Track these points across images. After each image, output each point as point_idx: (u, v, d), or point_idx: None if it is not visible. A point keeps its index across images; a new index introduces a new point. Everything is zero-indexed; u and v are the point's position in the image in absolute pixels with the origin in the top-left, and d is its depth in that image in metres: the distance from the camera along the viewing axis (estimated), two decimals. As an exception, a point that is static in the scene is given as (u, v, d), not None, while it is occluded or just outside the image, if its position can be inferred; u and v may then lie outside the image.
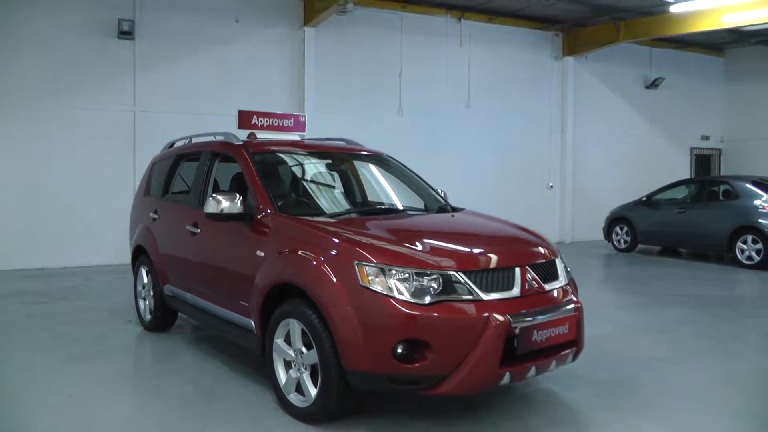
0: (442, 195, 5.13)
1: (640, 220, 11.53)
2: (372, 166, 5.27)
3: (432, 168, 12.07)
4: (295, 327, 3.61)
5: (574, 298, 3.70)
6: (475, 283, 3.32)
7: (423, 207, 4.81)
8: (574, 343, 3.63)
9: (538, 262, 3.66)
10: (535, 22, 13.21)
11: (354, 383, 3.34)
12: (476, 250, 3.57)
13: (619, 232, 11.99)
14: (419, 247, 3.50)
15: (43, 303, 6.92)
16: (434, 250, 3.49)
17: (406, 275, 3.25)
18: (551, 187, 13.68)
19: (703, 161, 15.89)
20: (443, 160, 12.35)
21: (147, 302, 5.78)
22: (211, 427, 3.66)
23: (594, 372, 4.60)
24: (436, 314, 3.19)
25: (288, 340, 3.68)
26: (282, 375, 3.75)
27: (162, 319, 5.64)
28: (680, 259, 11.06)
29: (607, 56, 13.77)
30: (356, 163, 5.26)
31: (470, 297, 3.27)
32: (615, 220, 12.08)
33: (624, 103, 14.43)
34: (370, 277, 3.28)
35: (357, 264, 3.32)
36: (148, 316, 5.76)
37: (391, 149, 11.35)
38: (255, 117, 5.55)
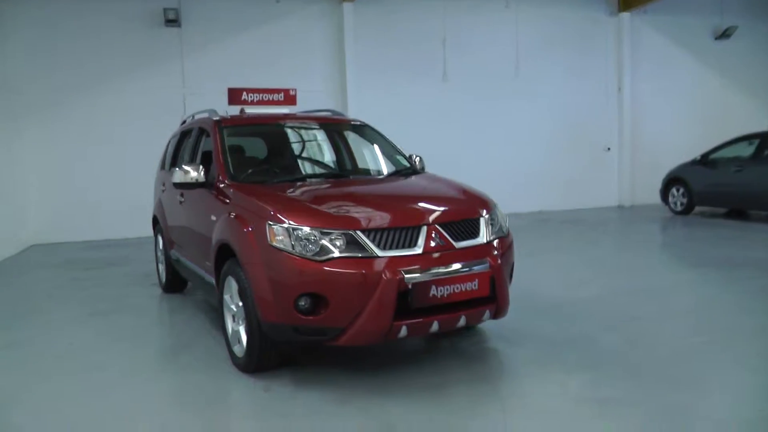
0: (416, 161, 5.25)
1: (696, 180, 10.88)
2: (345, 135, 5.50)
3: (481, 135, 12.09)
4: (232, 283, 3.98)
5: (492, 256, 3.76)
6: (373, 241, 3.50)
7: (378, 171, 4.99)
8: (489, 300, 3.73)
9: (452, 220, 3.77)
10: (586, -24, 12.64)
11: (269, 334, 3.67)
12: (381, 211, 3.73)
13: (675, 194, 11.39)
14: (329, 208, 3.72)
15: (90, 269, 7.81)
16: (341, 211, 3.70)
17: (308, 234, 3.50)
18: (609, 149, 13.16)
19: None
20: (492, 126, 12.26)
21: (162, 266, 6.41)
22: (169, 372, 4.15)
23: (556, 331, 4.64)
24: (330, 270, 3.42)
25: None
26: (229, 328, 4.15)
27: (174, 281, 6.24)
28: (745, 222, 10.32)
29: (669, 7, 12.90)
30: (327, 132, 5.50)
31: (366, 254, 3.47)
32: (671, 181, 11.47)
33: (689, 57, 13.48)
34: (277, 237, 3.56)
35: (268, 225, 3.62)
36: (164, 279, 6.39)
37: (436, 119, 11.70)
38: (245, 93, 5.91)
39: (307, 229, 3.51)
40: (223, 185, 4.38)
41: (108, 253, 8.97)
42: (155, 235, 6.67)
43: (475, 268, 3.65)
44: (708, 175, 10.70)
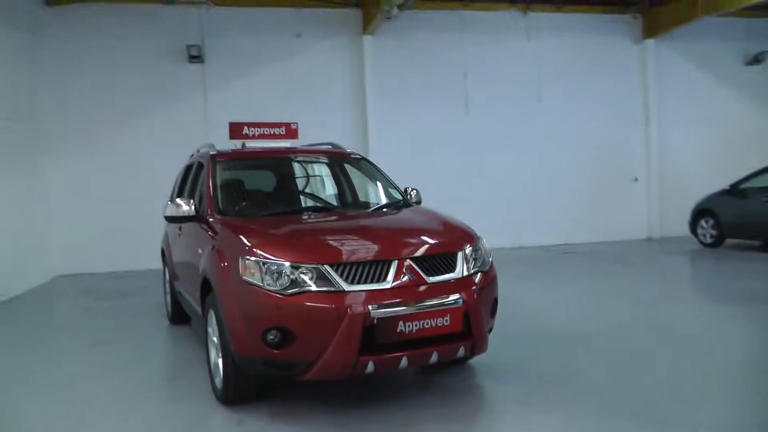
0: (411, 194, 5.22)
1: (725, 211, 10.50)
2: (341, 168, 5.53)
3: (503, 166, 12.01)
4: (212, 316, 4.01)
5: (468, 291, 3.68)
6: (341, 275, 3.49)
7: (368, 204, 5.00)
8: (463, 335, 3.65)
9: (427, 255, 3.73)
10: (608, 5, 12.54)
11: (242, 367, 3.67)
12: (354, 245, 3.72)
13: (704, 225, 10.99)
14: (303, 242, 3.73)
15: (105, 299, 8.00)
16: (315, 245, 3.70)
17: (279, 268, 3.51)
18: (636, 180, 12.85)
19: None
20: (514, 157, 12.17)
21: (169, 297, 6.52)
22: (151, 403, 4.17)
23: (550, 367, 4.51)
24: (296, 304, 3.42)
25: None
26: (212, 360, 4.17)
27: (179, 312, 6.32)
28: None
29: (696, 34, 12.63)
30: (323, 165, 5.55)
31: (333, 288, 3.45)
32: (699, 212, 11.08)
33: (719, 84, 13.13)
34: (249, 270, 3.59)
35: (240, 258, 3.65)
36: (170, 311, 6.48)
37: (458, 150, 11.67)
38: (246, 127, 6.06)
39: (277, 263, 3.53)
40: (211, 219, 4.44)
41: (127, 284, 9.18)
42: (163, 267, 6.81)
43: (447, 303, 3.58)
44: (738, 205, 10.32)
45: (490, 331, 4.11)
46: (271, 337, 3.46)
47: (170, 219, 4.65)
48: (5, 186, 8.63)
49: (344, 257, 3.57)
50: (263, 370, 3.57)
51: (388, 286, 3.53)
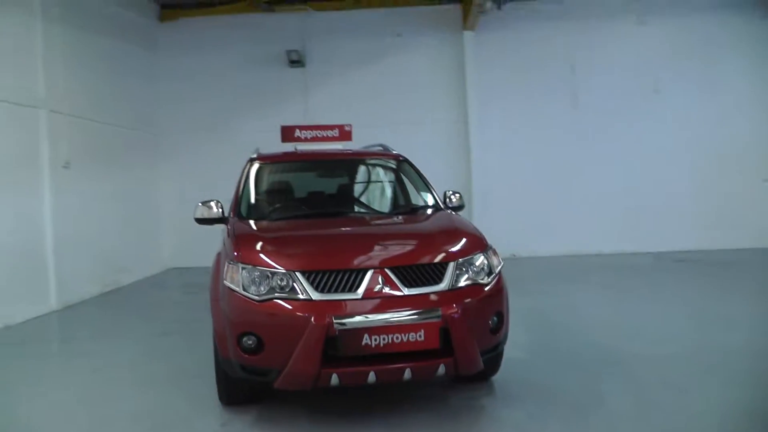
0: (451, 198, 4.92)
1: None
2: (378, 171, 5.40)
3: (615, 164, 11.11)
4: (217, 318, 4.12)
5: (449, 305, 3.41)
6: (312, 283, 3.39)
7: (389, 208, 4.86)
8: (441, 353, 3.39)
9: (407, 264, 3.52)
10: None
11: (226, 370, 3.71)
12: (332, 252, 3.60)
13: None
14: (282, 248, 3.68)
15: (193, 293, 8.49)
16: (290, 252, 3.62)
17: (255, 274, 3.51)
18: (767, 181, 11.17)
19: None
20: (627, 154, 11.19)
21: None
22: (162, 392, 4.41)
23: (573, 392, 4.07)
24: (265, 311, 3.38)
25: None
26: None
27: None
28: None
29: None
30: (360, 168, 5.44)
31: (300, 296, 3.38)
32: None
33: None
34: (229, 274, 3.62)
35: (227, 262, 3.70)
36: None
37: (565, 146, 11.02)
38: (297, 130, 6.13)
39: (252, 269, 3.52)
40: (231, 221, 4.55)
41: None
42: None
43: (421, 317, 3.35)
44: None
45: (494, 349, 3.80)
46: (247, 342, 3.45)
47: (200, 221, 4.80)
48: (130, 185, 9.87)
49: (318, 264, 3.48)
50: (242, 375, 3.59)
51: (358, 296, 3.38)
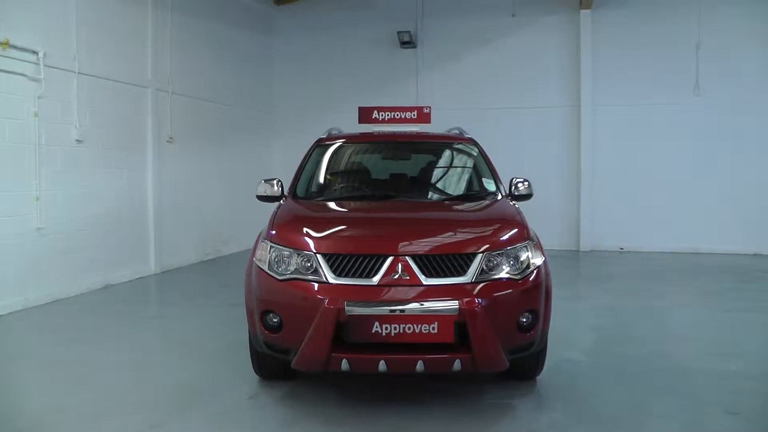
0: (517, 186, 4.62)
1: None
2: (445, 154, 5.19)
3: (735, 159, 10.01)
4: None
5: (470, 299, 3.23)
6: (331, 266, 3.36)
7: (443, 194, 4.69)
8: (457, 348, 3.22)
9: (431, 254, 3.37)
10: None
11: (254, 345, 3.80)
12: (355, 236, 3.53)
13: None
14: (311, 230, 3.65)
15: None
16: (317, 234, 3.57)
17: (278, 253, 3.53)
18: None
19: None
20: (752, 150, 10.02)
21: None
22: (212, 360, 4.60)
23: (618, 405, 3.71)
24: (284, 290, 3.40)
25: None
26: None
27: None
28: None
29: None
30: (425, 151, 5.26)
31: (318, 279, 3.36)
32: None
33: None
34: (259, 252, 3.68)
35: (261, 240, 3.78)
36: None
37: (681, 136, 10.15)
38: (375, 111, 6.05)
39: (278, 248, 3.56)
40: (286, 200, 4.62)
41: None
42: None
43: (436, 309, 3.20)
44: None
45: (526, 348, 3.56)
46: (272, 320, 3.50)
47: (261, 198, 4.86)
48: (239, 161, 10.55)
49: (339, 248, 3.44)
50: (267, 351, 3.65)
51: (374, 283, 3.30)
